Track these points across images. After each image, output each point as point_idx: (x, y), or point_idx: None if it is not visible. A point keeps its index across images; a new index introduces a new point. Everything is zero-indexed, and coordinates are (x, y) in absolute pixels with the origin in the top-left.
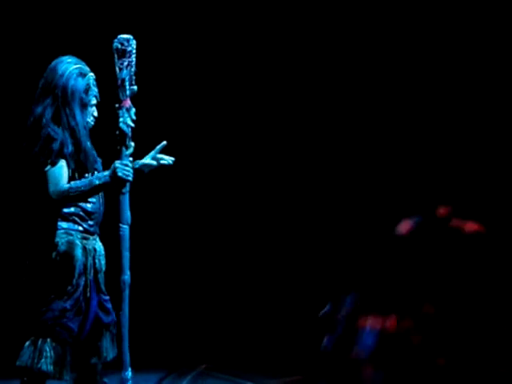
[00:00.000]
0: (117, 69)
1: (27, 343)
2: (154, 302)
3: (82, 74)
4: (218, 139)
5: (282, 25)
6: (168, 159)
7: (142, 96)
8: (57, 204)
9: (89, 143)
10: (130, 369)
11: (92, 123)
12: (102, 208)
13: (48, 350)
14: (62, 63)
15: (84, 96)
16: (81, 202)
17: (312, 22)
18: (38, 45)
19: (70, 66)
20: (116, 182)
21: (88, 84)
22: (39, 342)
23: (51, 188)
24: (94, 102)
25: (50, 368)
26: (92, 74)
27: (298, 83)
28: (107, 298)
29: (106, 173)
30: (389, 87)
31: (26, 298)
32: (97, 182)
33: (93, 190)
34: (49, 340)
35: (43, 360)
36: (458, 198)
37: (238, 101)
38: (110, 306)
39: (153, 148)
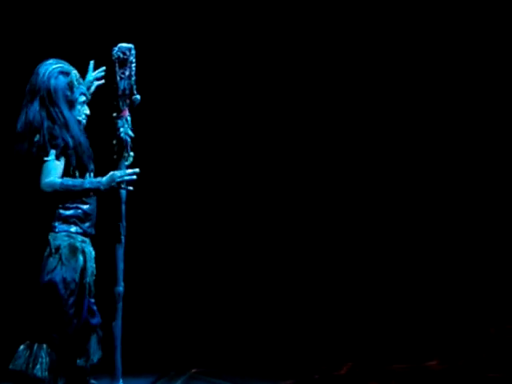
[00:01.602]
0: (118, 78)
1: (22, 347)
2: (144, 306)
3: (64, 73)
4: (214, 149)
5: (282, 25)
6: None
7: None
8: (45, 197)
9: (84, 139)
10: (121, 380)
11: (84, 121)
12: (95, 210)
13: (44, 355)
14: (42, 66)
15: (69, 93)
16: (67, 200)
17: (312, 22)
18: (36, 53)
19: (50, 67)
20: (114, 192)
21: (71, 81)
22: (35, 347)
23: (43, 179)
24: (82, 99)
25: (45, 374)
26: (75, 71)
27: (297, 84)
28: (93, 300)
29: (99, 179)
30: (388, 87)
31: (22, 302)
32: (87, 186)
33: (82, 193)
34: (45, 346)
35: (38, 366)
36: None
37: (236, 108)
38: (95, 307)
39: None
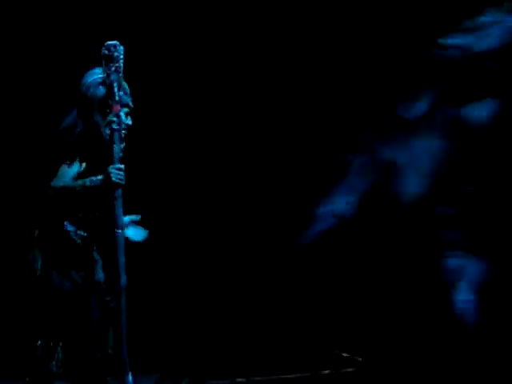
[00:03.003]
0: (105, 74)
1: (38, 343)
2: (146, 305)
3: (105, 83)
4: (212, 141)
5: (282, 24)
6: None
7: (135, 99)
8: (50, 198)
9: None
10: (130, 373)
11: (123, 132)
12: (103, 210)
13: (59, 351)
14: (87, 75)
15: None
16: (72, 200)
17: (311, 21)
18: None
19: (92, 77)
20: (110, 186)
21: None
22: (51, 344)
23: (53, 181)
24: (123, 111)
25: (60, 370)
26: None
27: (296, 83)
28: (109, 297)
29: (99, 177)
30: (388, 87)
31: (39, 299)
32: (87, 184)
33: (83, 191)
34: (60, 343)
35: (54, 362)
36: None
37: (231, 103)
38: (110, 301)
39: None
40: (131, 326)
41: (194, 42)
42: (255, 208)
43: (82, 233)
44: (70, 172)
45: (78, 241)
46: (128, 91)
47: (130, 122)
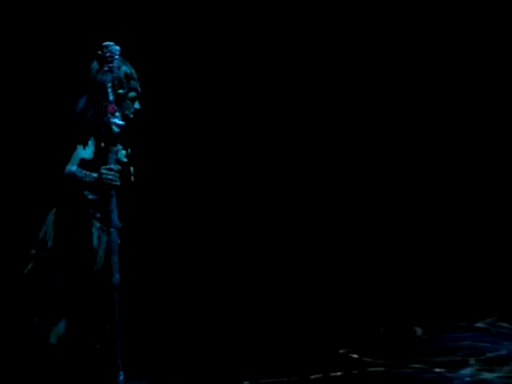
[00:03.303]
0: (99, 75)
1: (35, 320)
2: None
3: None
4: (209, 142)
5: (282, 25)
6: None
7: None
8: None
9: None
10: (122, 372)
11: (131, 116)
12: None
13: (56, 324)
14: (95, 61)
15: (116, 89)
16: (75, 188)
17: (312, 21)
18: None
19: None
20: (102, 186)
21: (120, 77)
22: (46, 319)
23: (67, 165)
24: (132, 94)
25: (58, 342)
26: (127, 67)
27: (296, 84)
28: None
29: (95, 174)
30: (388, 87)
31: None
32: (86, 179)
33: (83, 184)
34: (55, 318)
35: (52, 334)
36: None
37: (231, 103)
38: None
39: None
40: (126, 326)
41: (197, 43)
42: (254, 208)
43: (99, 215)
44: (79, 156)
45: (98, 224)
46: (135, 76)
47: (138, 106)
